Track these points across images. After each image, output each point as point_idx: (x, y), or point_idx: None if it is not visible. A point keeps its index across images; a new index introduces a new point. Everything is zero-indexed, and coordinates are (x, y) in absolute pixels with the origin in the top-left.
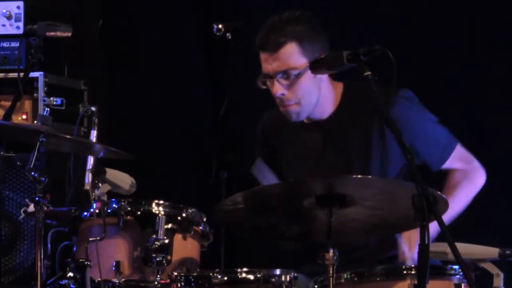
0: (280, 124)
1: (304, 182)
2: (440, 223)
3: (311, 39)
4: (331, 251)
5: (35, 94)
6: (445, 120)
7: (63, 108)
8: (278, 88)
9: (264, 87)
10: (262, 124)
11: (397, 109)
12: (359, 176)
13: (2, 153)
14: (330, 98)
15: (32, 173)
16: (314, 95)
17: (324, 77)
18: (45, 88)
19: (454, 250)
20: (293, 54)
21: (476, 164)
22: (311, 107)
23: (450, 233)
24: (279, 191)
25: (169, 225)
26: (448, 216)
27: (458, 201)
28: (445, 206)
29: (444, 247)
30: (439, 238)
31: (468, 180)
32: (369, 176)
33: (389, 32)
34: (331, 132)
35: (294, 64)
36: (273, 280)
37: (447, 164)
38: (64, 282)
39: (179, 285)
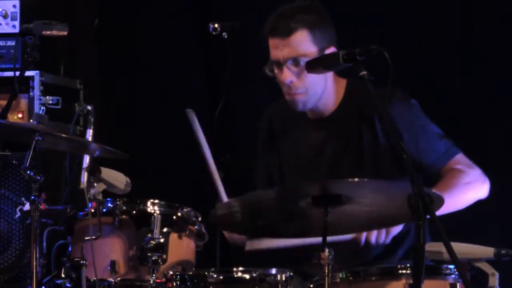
0: (286, 117)
1: (299, 186)
2: (436, 223)
3: (321, 28)
4: (327, 250)
5: (31, 93)
6: (442, 119)
7: (59, 107)
8: (287, 75)
9: (271, 74)
10: (268, 114)
11: (394, 112)
12: (355, 179)
13: None
14: (333, 93)
15: (28, 172)
16: (321, 86)
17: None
18: (41, 87)
19: (450, 249)
20: (304, 41)
21: (480, 172)
22: (317, 98)
23: (445, 233)
24: (275, 195)
25: (165, 225)
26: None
27: (452, 198)
28: (441, 205)
29: (439, 246)
30: (435, 238)
31: (468, 181)
32: (365, 179)
33: (386, 33)
34: (332, 129)
35: (304, 51)
36: (269, 279)
37: (450, 165)
38: (59, 281)
39: (174, 284)
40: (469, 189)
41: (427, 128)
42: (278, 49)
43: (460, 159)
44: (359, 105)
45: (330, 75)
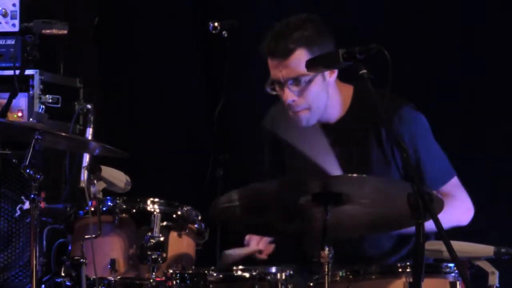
0: (290, 121)
1: (300, 181)
2: (436, 221)
3: (320, 44)
4: (327, 249)
5: (30, 92)
6: (442, 119)
7: (59, 105)
8: (289, 95)
9: (274, 93)
10: (271, 117)
11: (402, 129)
12: (354, 175)
13: None
14: (338, 101)
15: (28, 171)
16: (323, 99)
17: (331, 81)
18: (41, 86)
19: (450, 248)
20: (303, 60)
21: (467, 200)
22: (321, 112)
23: (445, 231)
24: (275, 189)
25: (164, 223)
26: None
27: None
28: (441, 205)
29: (439, 245)
30: (435, 237)
31: (453, 206)
32: (364, 175)
33: (385, 32)
34: (338, 136)
35: (304, 70)
36: (269, 278)
37: (443, 189)
38: (59, 279)
39: (174, 282)
40: (453, 212)
41: (430, 145)
42: (277, 69)
43: (453, 184)
44: (367, 111)
45: (332, 85)
